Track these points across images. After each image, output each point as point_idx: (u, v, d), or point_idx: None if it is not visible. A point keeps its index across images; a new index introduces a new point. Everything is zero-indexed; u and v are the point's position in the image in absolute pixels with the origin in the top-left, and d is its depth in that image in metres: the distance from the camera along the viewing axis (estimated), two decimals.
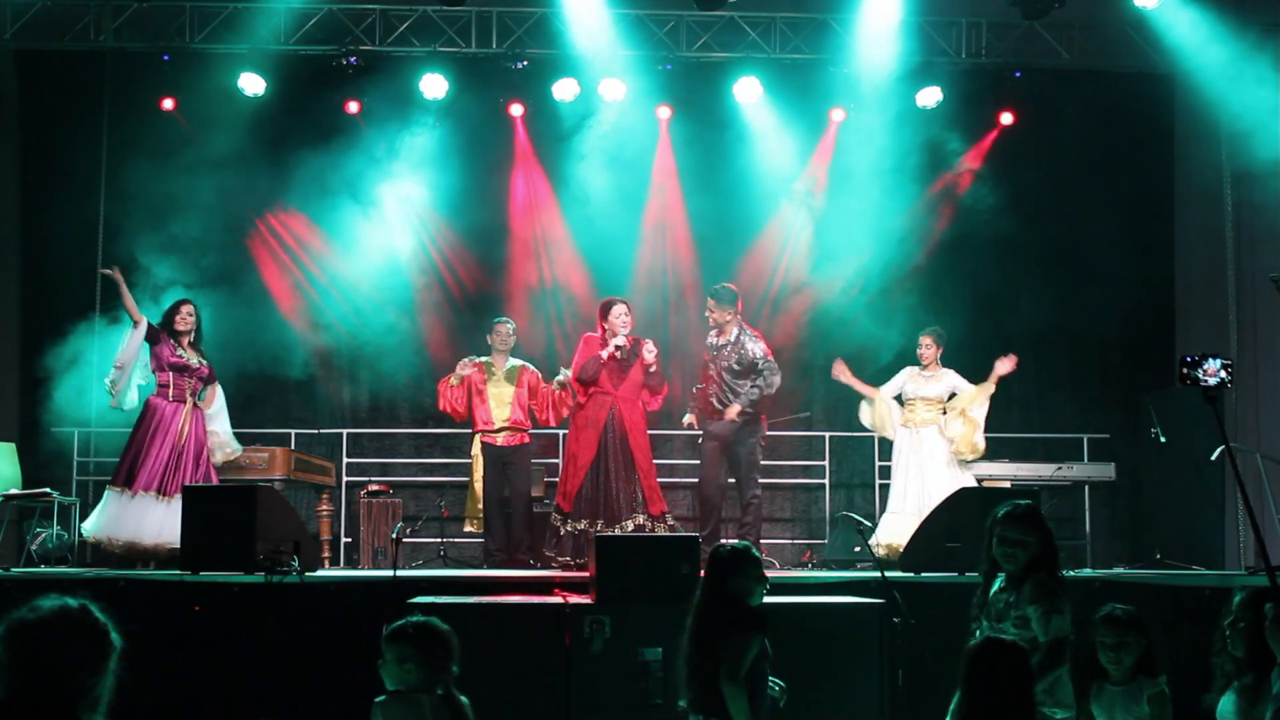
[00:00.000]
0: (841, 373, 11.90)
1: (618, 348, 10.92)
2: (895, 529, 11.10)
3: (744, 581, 5.63)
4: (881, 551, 10.91)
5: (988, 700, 4.34)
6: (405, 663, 4.68)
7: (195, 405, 10.75)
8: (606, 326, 11.08)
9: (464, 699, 4.73)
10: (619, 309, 11.13)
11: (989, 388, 11.59)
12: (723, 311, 11.34)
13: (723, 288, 11.49)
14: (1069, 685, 5.32)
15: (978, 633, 5.44)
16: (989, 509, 9.14)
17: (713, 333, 11.48)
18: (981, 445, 11.53)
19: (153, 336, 10.72)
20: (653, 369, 11.11)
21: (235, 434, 11.46)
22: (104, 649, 3.29)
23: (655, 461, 11.63)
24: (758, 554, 5.85)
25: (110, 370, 10.86)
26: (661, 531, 10.75)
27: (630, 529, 10.69)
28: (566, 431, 11.65)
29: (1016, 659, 4.43)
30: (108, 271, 11.02)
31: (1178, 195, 14.07)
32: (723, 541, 5.97)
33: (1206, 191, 13.42)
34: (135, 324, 10.73)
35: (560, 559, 10.92)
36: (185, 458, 10.60)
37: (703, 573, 5.86)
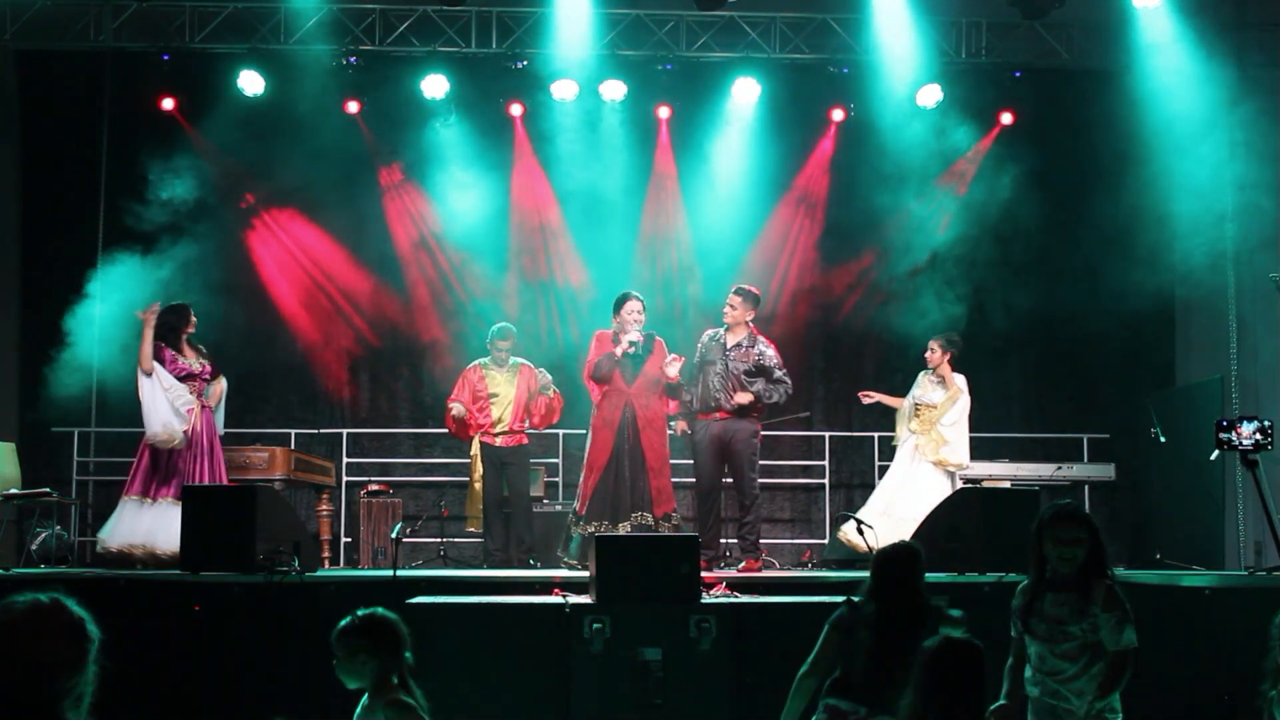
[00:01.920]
0: (868, 396, 11.80)
1: (631, 344, 10.62)
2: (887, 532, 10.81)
3: (919, 584, 5.66)
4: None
5: (944, 700, 4.35)
6: (357, 655, 4.68)
7: (204, 407, 10.69)
8: (618, 322, 10.82)
9: (417, 691, 4.73)
10: (632, 304, 10.78)
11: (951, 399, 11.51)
12: (745, 310, 10.94)
13: (749, 289, 11.08)
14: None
15: (1026, 639, 5.42)
16: (989, 509, 9.26)
17: (720, 331, 11.02)
18: (950, 458, 11.35)
19: (167, 364, 10.65)
20: (675, 382, 10.80)
21: (235, 433, 11.47)
22: (82, 643, 3.21)
23: (672, 461, 11.54)
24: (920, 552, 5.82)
25: (167, 427, 10.63)
26: (665, 532, 10.51)
27: (629, 528, 10.50)
28: (588, 433, 11.14)
29: (976, 658, 4.44)
30: (141, 313, 10.83)
31: (1177, 194, 14.06)
32: (896, 545, 5.92)
33: (1206, 192, 13.41)
34: (149, 373, 10.53)
35: (567, 560, 10.69)
36: (201, 460, 10.58)
37: (879, 576, 5.73)
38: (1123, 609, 5.23)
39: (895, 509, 11.02)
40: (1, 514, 11.28)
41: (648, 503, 10.67)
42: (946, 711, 4.36)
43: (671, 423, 11.19)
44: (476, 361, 11.85)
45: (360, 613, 4.80)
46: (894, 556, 5.75)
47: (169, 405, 10.38)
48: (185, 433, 10.33)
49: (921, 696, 4.41)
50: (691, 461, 11.16)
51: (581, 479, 10.95)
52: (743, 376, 10.73)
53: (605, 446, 10.70)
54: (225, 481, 10.64)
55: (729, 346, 10.86)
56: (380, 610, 4.80)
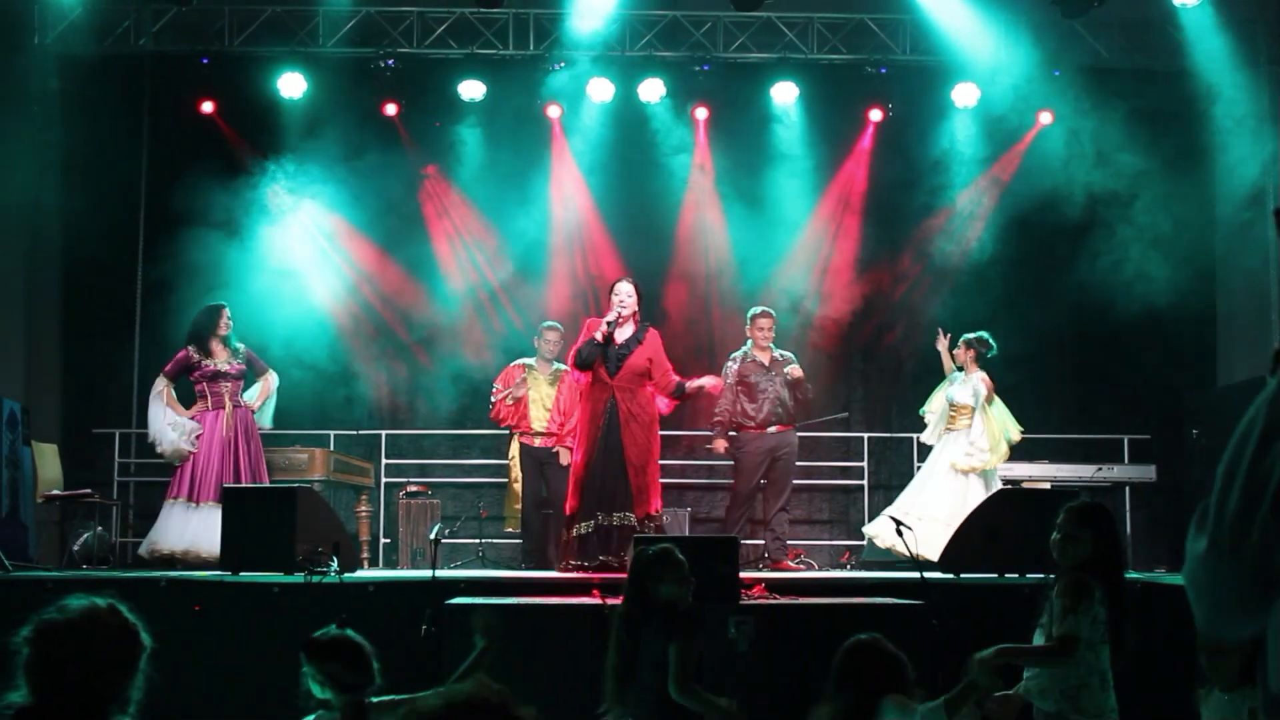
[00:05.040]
0: (940, 342, 11.92)
1: (608, 323, 10.19)
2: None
3: (671, 588, 5.53)
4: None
5: (863, 701, 4.42)
6: (314, 680, 4.73)
7: (237, 406, 10.87)
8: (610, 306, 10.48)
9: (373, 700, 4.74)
10: (620, 286, 10.43)
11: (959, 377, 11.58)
12: (772, 330, 11.84)
13: (769, 310, 12.03)
14: (1103, 695, 5.17)
15: (1038, 632, 5.37)
16: (1029, 510, 9.22)
17: (748, 351, 11.81)
18: (995, 447, 11.39)
19: (180, 370, 10.87)
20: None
21: (275, 434, 11.57)
22: (134, 649, 3.26)
23: (692, 462, 11.56)
24: (681, 556, 5.75)
25: (168, 442, 10.96)
26: (649, 534, 9.78)
27: (618, 525, 10.01)
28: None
29: (892, 659, 4.53)
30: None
31: (1219, 194, 13.96)
32: (644, 547, 5.85)
33: (1248, 190, 13.32)
34: (157, 393, 10.96)
35: (572, 562, 10.18)
36: (241, 462, 10.73)
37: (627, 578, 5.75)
38: (1073, 598, 5.11)
39: (929, 511, 11.05)
40: (44, 515, 11.35)
41: (629, 502, 10.09)
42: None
43: (715, 445, 11.80)
44: (520, 360, 11.95)
45: (315, 634, 4.79)
46: (636, 559, 5.68)
47: (166, 423, 10.76)
48: (191, 442, 10.80)
49: (843, 701, 4.45)
50: (729, 465, 11.46)
51: (569, 477, 10.65)
52: (784, 393, 11.67)
53: (590, 439, 10.26)
54: (265, 480, 10.75)
55: (767, 364, 11.70)
56: (333, 633, 4.83)
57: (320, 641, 4.75)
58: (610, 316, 10.20)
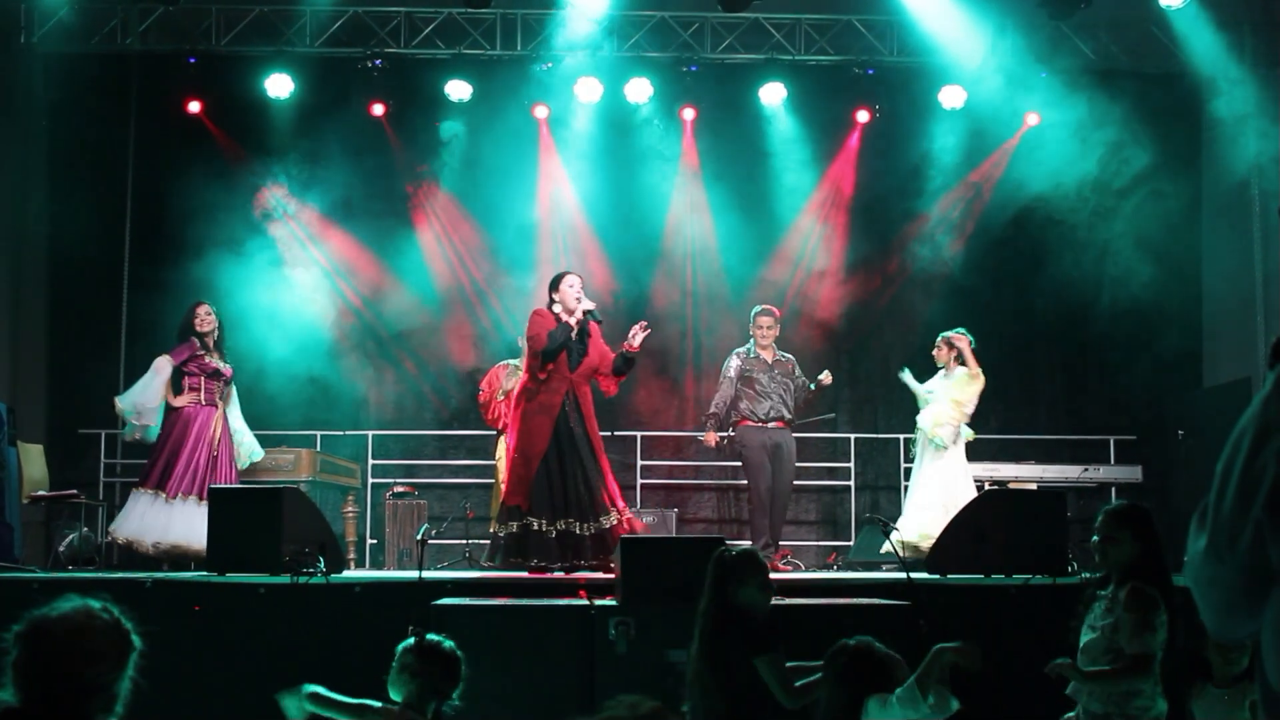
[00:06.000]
0: (907, 377, 11.86)
1: (586, 312, 9.83)
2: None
3: (753, 591, 5.44)
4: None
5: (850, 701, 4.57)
6: (404, 672, 4.85)
7: (219, 407, 10.86)
8: (557, 298, 9.96)
9: None
10: (569, 279, 10.02)
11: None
12: (777, 327, 11.87)
13: (774, 309, 12.03)
14: (1152, 700, 5.15)
15: (1083, 631, 5.36)
16: (1015, 511, 9.23)
17: (750, 348, 11.77)
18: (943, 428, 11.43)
19: (185, 360, 10.82)
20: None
21: (261, 436, 11.55)
22: (124, 650, 3.27)
23: (679, 463, 11.53)
24: (764, 559, 5.70)
25: (131, 412, 10.89)
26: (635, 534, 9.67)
27: (592, 529, 9.69)
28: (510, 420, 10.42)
29: (880, 662, 4.64)
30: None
31: (1205, 196, 14.00)
32: (727, 546, 5.75)
33: (1234, 192, 13.36)
34: (158, 371, 10.84)
35: (529, 561, 9.73)
36: (220, 461, 10.72)
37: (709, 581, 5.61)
38: (1144, 612, 5.07)
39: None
40: (29, 515, 11.30)
41: (610, 497, 9.81)
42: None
43: (705, 435, 11.79)
44: (504, 362, 11.97)
45: (429, 637, 4.86)
46: (719, 562, 5.59)
47: (152, 405, 10.76)
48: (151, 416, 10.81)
49: (832, 698, 4.62)
50: (729, 464, 11.41)
51: (511, 469, 10.01)
52: (786, 393, 11.66)
53: (543, 434, 9.79)
54: (234, 482, 10.77)
55: (770, 362, 11.70)
56: (447, 644, 4.93)
57: (433, 645, 4.89)
58: (587, 305, 9.90)
